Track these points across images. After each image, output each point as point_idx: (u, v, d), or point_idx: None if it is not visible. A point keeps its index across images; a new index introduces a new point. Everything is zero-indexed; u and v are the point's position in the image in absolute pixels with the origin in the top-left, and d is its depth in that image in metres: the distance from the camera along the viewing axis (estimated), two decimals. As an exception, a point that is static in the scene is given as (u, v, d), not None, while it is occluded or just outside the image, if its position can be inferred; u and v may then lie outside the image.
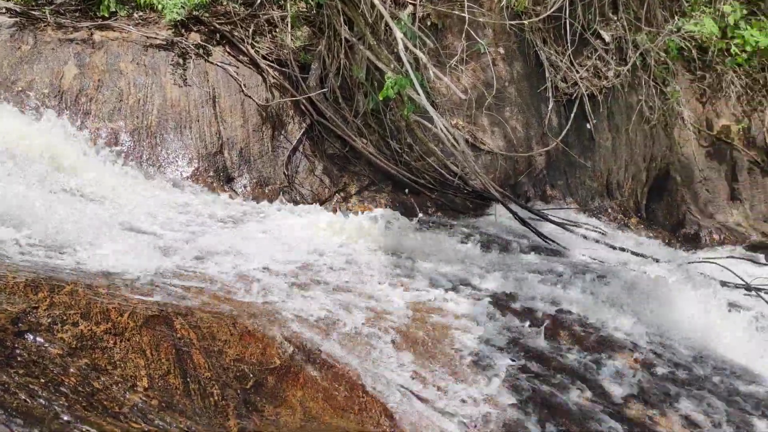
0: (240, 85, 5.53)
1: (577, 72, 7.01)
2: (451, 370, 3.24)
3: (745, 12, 7.83)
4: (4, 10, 5.33)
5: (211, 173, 5.18)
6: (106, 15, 5.54)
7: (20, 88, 4.96)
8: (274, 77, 5.66)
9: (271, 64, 5.72)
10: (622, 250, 5.58)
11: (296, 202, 5.26)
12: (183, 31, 5.61)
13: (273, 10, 5.97)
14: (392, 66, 5.69)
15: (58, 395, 1.76)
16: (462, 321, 3.70)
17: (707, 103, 7.99)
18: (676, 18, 7.63)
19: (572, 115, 6.93)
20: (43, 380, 1.80)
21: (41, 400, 1.70)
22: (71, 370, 1.91)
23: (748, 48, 7.90)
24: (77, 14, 5.53)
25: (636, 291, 4.45)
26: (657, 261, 5.50)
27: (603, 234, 6.02)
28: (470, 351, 3.44)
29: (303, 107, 5.69)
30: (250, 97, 5.52)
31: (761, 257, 6.54)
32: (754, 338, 4.46)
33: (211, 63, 5.54)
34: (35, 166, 4.19)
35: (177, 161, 5.14)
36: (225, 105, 5.44)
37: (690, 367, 3.86)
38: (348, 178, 5.72)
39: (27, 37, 5.19)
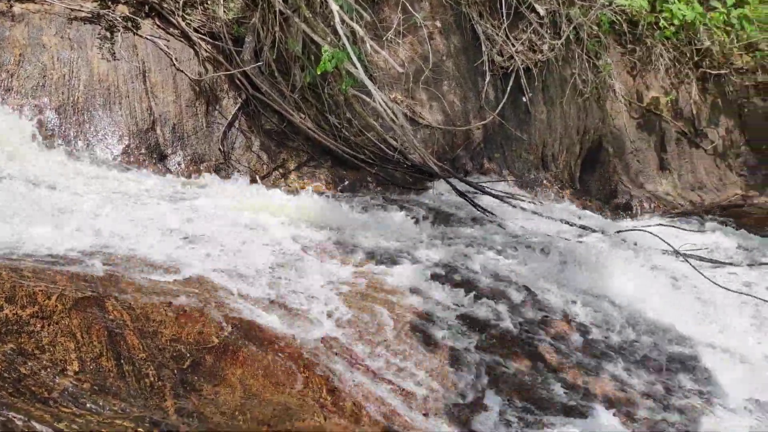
0: (171, 59, 5.35)
1: (513, 46, 7.08)
2: (394, 343, 3.26)
3: (672, -14, 8.05)
4: None
5: (143, 150, 5.01)
6: (26, -15, 5.25)
7: (-68, 63, 4.66)
8: (206, 51, 5.50)
9: (204, 37, 5.56)
10: (558, 220, 5.71)
11: (234, 180, 5.16)
12: (110, 3, 5.37)
13: (204, -19, 5.78)
14: (329, 39, 5.61)
15: (-20, 383, 1.69)
16: (404, 294, 3.72)
17: (637, 75, 8.21)
18: (607, -8, 7.79)
19: (508, 88, 7.00)
20: (-36, 368, 1.72)
21: (-38, 389, 1.63)
22: (-5, 356, 1.83)
23: (675, 21, 8.14)
24: (-7, -16, 5.22)
25: (570, 259, 4.57)
26: (590, 230, 5.66)
27: (539, 205, 6.14)
28: (412, 323, 3.47)
29: (238, 81, 5.56)
30: (182, 71, 5.36)
31: (689, 224, 6.81)
32: (681, 302, 4.66)
33: (141, 36, 5.33)
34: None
35: (106, 138, 4.95)
36: (156, 80, 5.26)
37: (622, 331, 4.01)
38: (286, 154, 5.64)
39: (-62, 8, 4.87)
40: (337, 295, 3.48)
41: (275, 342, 2.71)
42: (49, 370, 1.89)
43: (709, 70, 8.86)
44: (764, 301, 4.89)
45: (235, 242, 3.73)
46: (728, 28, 8.75)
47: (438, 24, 6.76)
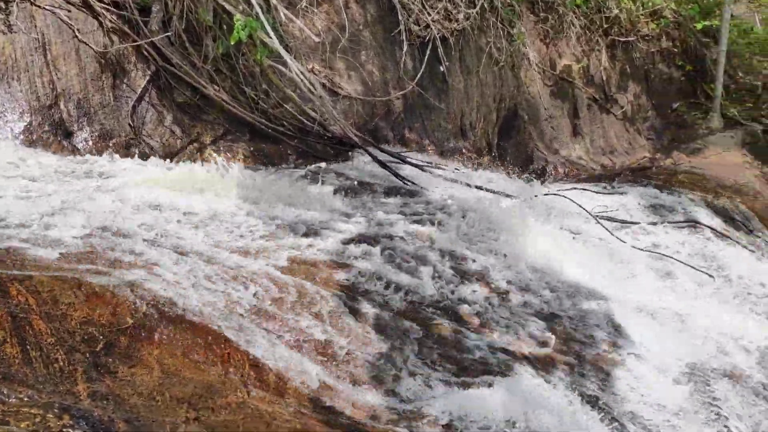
0: (73, 31, 5.05)
1: (429, 15, 7.08)
2: (317, 315, 3.25)
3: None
4: None
5: (47, 128, 4.74)
6: None
7: None
8: (111, 21, 5.23)
9: (108, 6, 5.27)
10: (477, 188, 5.81)
11: (146, 156, 4.97)
12: (1, -30, 5.00)
13: (105, -54, 5.46)
14: (241, 8, 5.44)
15: None
16: (326, 265, 3.70)
17: (550, 44, 8.40)
18: (520, -40, 7.88)
19: (426, 58, 7.02)
20: None
21: None
22: None
23: (585, -10, 8.35)
24: None
25: (489, 225, 4.67)
26: (508, 196, 5.78)
27: (459, 173, 6.23)
28: (335, 294, 3.46)
29: (146, 53, 5.32)
30: (85, 43, 5.07)
31: (601, 187, 7.08)
32: (594, 261, 4.86)
33: (39, 6, 5.00)
34: None
35: (5, 115, 4.65)
36: (58, 52, 4.96)
37: (539, 292, 4.14)
38: (201, 128, 5.47)
39: None
40: (259, 269, 3.42)
41: (194, 320, 2.65)
42: (-54, 360, 1.77)
43: (617, 38, 9.15)
44: (670, 257, 5.16)
45: (149, 218, 3.61)
46: (635, -3, 9.07)
47: (354, -8, 6.67)
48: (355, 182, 5.24)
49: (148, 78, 5.30)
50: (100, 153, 4.81)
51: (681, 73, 9.75)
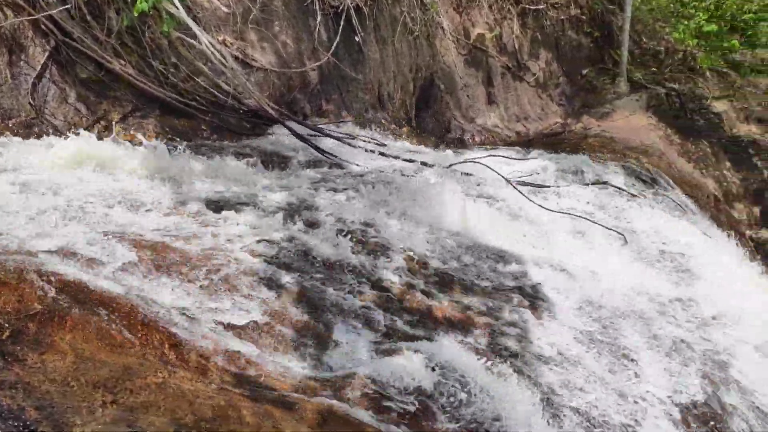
0: (-40, 3, 4.72)
1: (342, -16, 7.00)
2: (239, 290, 3.21)
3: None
4: None
5: (-64, 108, 4.43)
6: None
7: None
8: (2, -7, 4.90)
9: (-2, -23, 4.93)
10: (396, 157, 5.85)
11: (49, 135, 4.72)
12: None
13: None
14: (144, -22, 5.20)
15: None
16: (247, 239, 3.65)
17: (463, 13, 8.47)
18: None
19: (340, 28, 6.95)
20: None
21: None
22: None
23: (495, -41, 8.44)
24: None
25: (409, 194, 4.72)
26: (427, 165, 5.86)
27: (378, 144, 6.24)
28: (257, 268, 3.43)
29: (44, 27, 5.02)
30: (-26, 16, 4.74)
31: (516, 153, 7.26)
32: (510, 225, 5.00)
33: None
34: None
35: None
36: (-57, 27, 4.62)
37: (458, 257, 4.23)
38: (108, 105, 5.23)
39: None
40: (176, 247, 3.34)
41: (109, 302, 2.56)
42: None
43: (528, 6, 9.33)
44: (582, 217, 5.37)
45: (56, 200, 3.45)
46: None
47: (263, -39, 6.50)
48: (273, 156, 5.17)
49: (47, 54, 5.02)
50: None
51: (589, 40, 10.05)
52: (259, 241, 3.65)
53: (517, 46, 9.03)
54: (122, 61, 5.34)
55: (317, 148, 5.51)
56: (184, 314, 2.84)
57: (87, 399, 1.95)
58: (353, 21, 7.09)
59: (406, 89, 7.73)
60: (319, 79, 6.82)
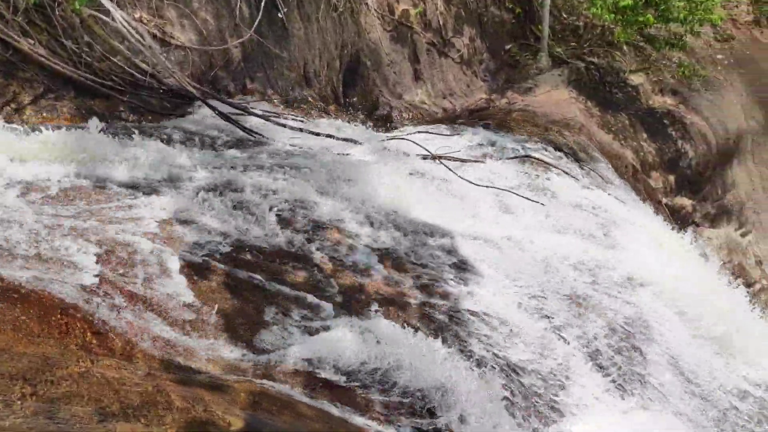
0: None
1: (263, -42, 6.83)
2: (163, 276, 3.14)
3: None
4: None
5: None
6: None
7: None
8: None
9: None
10: (324, 135, 5.80)
11: (-48, 120, 4.45)
12: None
13: None
14: (51, -48, 4.93)
15: None
16: (169, 223, 3.56)
17: (387, -12, 8.42)
18: None
19: (263, 4, 6.80)
20: None
21: None
22: None
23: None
24: None
25: (337, 172, 4.71)
26: (355, 143, 5.85)
27: (305, 122, 6.18)
28: (182, 252, 3.36)
29: (-60, 4, 4.71)
30: None
31: (443, 130, 7.33)
32: (439, 200, 5.07)
33: None
34: None
35: None
36: None
37: (390, 233, 4.26)
38: (18, 87, 4.96)
39: None
40: (96, 233, 3.23)
41: (24, 293, 2.46)
42: None
43: (451, -18, 9.36)
44: (507, 190, 5.49)
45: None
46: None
47: (179, -65, 6.27)
48: (197, 136, 5.04)
49: (-55, 33, 4.71)
50: None
51: (511, 16, 10.18)
52: (182, 224, 3.57)
53: (441, 23, 9.07)
54: (31, 41, 5.07)
55: (242, 127, 5.41)
56: (106, 301, 2.75)
57: (5, 392, 1.87)
58: (275, -3, 6.95)
59: (333, 66, 7.66)
60: (242, 56, 6.67)
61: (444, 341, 3.33)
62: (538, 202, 5.46)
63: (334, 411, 2.79)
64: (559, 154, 6.92)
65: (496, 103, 8.82)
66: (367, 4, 7.95)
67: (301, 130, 5.82)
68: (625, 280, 4.75)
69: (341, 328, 3.19)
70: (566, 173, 6.40)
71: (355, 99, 7.96)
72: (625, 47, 10.15)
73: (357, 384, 2.95)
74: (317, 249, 3.84)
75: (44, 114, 4.93)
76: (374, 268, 3.92)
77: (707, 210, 9.59)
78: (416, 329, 3.41)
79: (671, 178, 8.88)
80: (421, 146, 5.98)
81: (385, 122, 7.69)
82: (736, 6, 11.82)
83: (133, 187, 3.82)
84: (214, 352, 2.90)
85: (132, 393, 2.16)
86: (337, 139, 5.75)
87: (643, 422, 3.72)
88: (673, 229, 6.84)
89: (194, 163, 4.42)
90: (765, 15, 11.64)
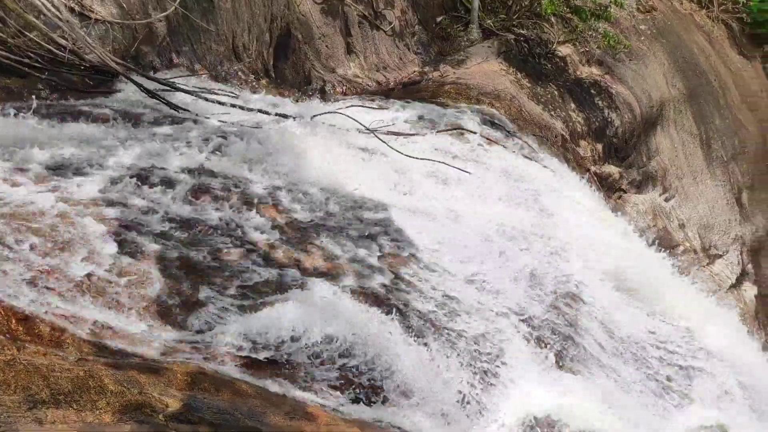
0: None
1: (185, -72, 6.59)
2: (92, 258, 3.04)
3: None
4: None
5: None
6: None
7: None
8: None
9: None
10: (255, 111, 5.69)
11: None
12: None
13: None
14: None
15: None
16: (97, 205, 3.45)
17: (316, -40, 8.28)
18: None
19: (187, -25, 6.57)
20: None
21: None
22: None
23: None
24: None
25: (270, 147, 4.64)
26: (288, 117, 5.76)
27: (235, 97, 6.05)
28: (113, 234, 3.26)
29: None
30: None
31: (377, 103, 7.31)
32: (375, 174, 5.08)
33: None
34: None
35: None
36: None
37: (326, 207, 4.25)
38: None
39: None
40: (19, 217, 3.09)
41: (-60, 280, 2.34)
42: None
43: (380, -46, 9.27)
44: (440, 162, 5.55)
45: None
46: None
47: None
48: (123, 114, 4.86)
49: None
50: None
51: (442, -12, 10.21)
52: (109, 205, 3.46)
53: (372, -6, 9.00)
54: (-65, 15, 4.76)
55: (169, 104, 5.24)
56: (31, 286, 2.65)
57: None
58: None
59: (262, 40, 7.50)
60: (167, 30, 6.44)
61: (385, 313, 3.36)
62: (470, 173, 5.53)
63: (275, 387, 2.79)
64: (490, 125, 7.01)
65: (429, 75, 8.86)
66: (295, -25, 7.80)
67: (232, 105, 5.69)
68: (557, 246, 4.90)
69: (279, 304, 3.18)
70: (498, 143, 6.50)
71: (287, 73, 7.84)
72: (552, 19, 10.33)
73: (297, 359, 2.95)
74: (252, 226, 3.79)
75: (-46, 93, 4.65)
76: (312, 242, 3.91)
77: (633, 177, 9.97)
78: (356, 300, 3.43)
79: (599, 146, 9.15)
80: (355, 120, 5.94)
81: (318, 96, 7.61)
82: (657, -23, 12.19)
83: (53, 168, 3.67)
84: (149, 333, 2.84)
85: (62, 379, 2.10)
86: (269, 113, 5.65)
87: (575, 384, 3.87)
88: (601, 195, 7.08)
89: (120, 140, 4.27)
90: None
